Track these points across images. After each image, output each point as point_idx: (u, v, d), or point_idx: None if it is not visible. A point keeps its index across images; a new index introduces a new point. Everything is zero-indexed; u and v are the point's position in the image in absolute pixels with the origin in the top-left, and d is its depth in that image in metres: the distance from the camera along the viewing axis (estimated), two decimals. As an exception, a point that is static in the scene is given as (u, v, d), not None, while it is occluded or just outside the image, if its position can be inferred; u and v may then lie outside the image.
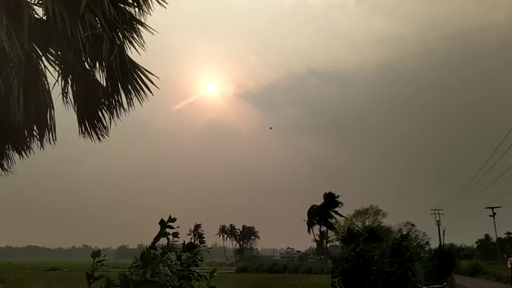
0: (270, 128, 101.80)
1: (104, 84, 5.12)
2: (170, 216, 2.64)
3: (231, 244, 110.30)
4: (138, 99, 5.17)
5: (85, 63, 4.99)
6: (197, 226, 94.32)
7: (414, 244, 61.87)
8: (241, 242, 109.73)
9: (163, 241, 2.69)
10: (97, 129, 5.43)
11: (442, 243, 29.12)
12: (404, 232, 62.43)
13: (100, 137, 5.47)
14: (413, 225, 70.30)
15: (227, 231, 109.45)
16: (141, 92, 5.16)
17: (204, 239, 2.97)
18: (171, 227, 2.64)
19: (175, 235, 2.67)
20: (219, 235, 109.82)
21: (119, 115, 5.25)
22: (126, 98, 5.17)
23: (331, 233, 67.38)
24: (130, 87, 5.12)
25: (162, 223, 2.62)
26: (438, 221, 46.98)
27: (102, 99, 5.27)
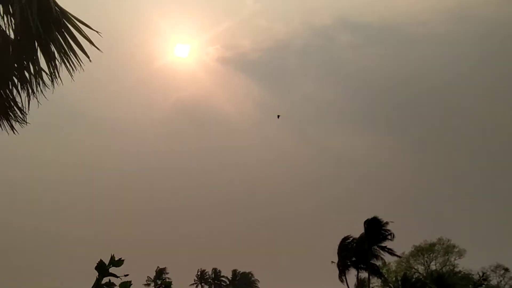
0: (278, 116, 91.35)
1: (14, 43, 4.86)
2: (113, 256, 2.54)
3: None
4: (67, 68, 4.99)
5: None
6: (161, 271, 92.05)
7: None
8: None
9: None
10: (10, 114, 5.21)
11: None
12: (493, 282, 60.29)
13: (14, 126, 5.24)
14: (506, 269, 68.06)
15: (208, 279, 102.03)
16: (73, 56, 4.98)
17: None
18: (115, 275, 2.52)
19: (126, 286, 2.54)
20: (196, 286, 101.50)
21: (35, 92, 5.00)
22: (49, 67, 4.97)
23: (376, 282, 65.79)
24: (54, 48, 4.91)
25: (101, 268, 2.49)
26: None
27: (13, 67, 5.01)
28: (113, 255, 2.56)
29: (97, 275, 2.52)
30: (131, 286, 2.63)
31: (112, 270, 2.58)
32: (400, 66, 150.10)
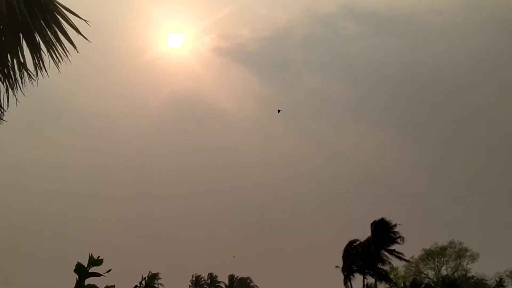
0: (279, 111, 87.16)
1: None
2: (91, 256, 2.51)
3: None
4: (54, 59, 4.87)
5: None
6: (153, 277, 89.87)
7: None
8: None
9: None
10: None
11: None
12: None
13: None
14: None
15: (204, 284, 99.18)
16: (60, 47, 4.85)
17: None
18: (97, 274, 2.50)
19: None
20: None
21: (20, 86, 4.85)
22: (34, 58, 4.84)
23: (383, 288, 64.92)
24: (39, 39, 4.77)
25: (80, 270, 2.47)
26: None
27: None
28: (91, 254, 2.53)
29: (77, 278, 2.49)
30: None
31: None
32: (412, 58, 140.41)
